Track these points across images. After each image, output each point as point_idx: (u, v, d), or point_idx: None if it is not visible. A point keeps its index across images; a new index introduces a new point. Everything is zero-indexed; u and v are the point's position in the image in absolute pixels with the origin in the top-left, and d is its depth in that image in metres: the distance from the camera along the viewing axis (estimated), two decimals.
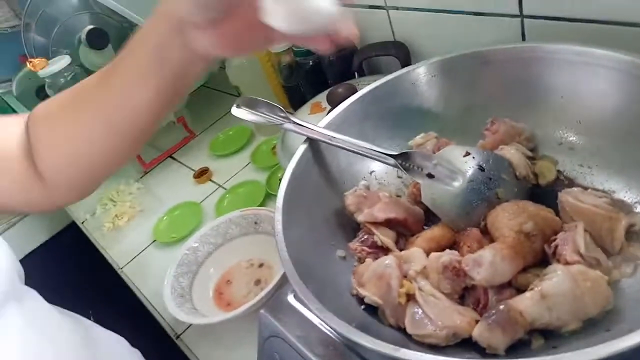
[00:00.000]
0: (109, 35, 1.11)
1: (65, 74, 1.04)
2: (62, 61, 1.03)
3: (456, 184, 0.49)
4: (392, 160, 0.51)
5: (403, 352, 0.34)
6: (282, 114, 0.59)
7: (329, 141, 0.55)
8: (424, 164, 0.51)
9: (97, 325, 0.63)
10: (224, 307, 0.76)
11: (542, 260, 0.44)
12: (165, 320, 0.80)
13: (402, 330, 0.43)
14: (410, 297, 0.43)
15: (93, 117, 0.49)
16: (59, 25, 1.16)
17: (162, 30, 0.42)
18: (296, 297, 0.56)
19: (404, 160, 0.51)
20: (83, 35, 1.09)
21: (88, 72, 1.11)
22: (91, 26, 1.11)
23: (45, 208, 0.57)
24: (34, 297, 0.53)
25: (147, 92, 0.46)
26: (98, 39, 1.10)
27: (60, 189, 0.54)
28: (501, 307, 0.38)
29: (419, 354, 0.33)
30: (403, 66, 0.81)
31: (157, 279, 0.84)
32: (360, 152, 0.53)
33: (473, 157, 0.50)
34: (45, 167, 0.52)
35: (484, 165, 0.50)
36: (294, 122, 0.58)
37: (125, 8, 0.96)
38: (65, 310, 0.59)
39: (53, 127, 0.51)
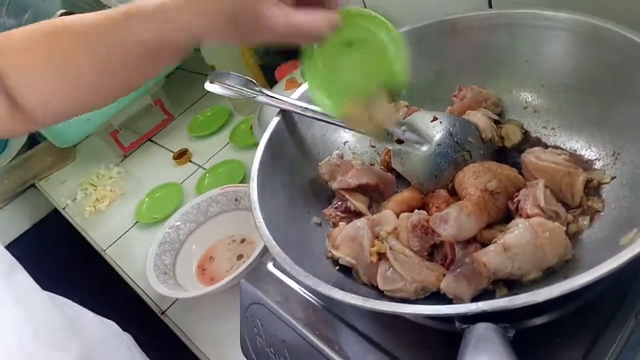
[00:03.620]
0: None
1: None
2: None
3: (425, 148, 0.51)
4: None
5: (372, 302, 0.36)
6: (256, 88, 0.60)
7: (302, 112, 0.56)
8: (393, 130, 0.52)
9: (87, 311, 0.64)
10: (208, 282, 0.77)
11: (506, 217, 0.46)
12: (150, 298, 0.82)
13: (375, 287, 0.44)
14: (382, 256, 0.44)
15: (87, 57, 0.43)
16: (30, 11, 1.14)
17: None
18: (275, 264, 0.58)
19: None
20: None
21: None
22: (63, 10, 1.09)
23: (15, 134, 0.49)
24: (23, 277, 0.53)
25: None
26: None
27: (37, 118, 0.46)
28: (466, 259, 0.40)
29: (387, 302, 0.35)
30: None
31: (141, 259, 0.85)
32: (333, 121, 0.55)
33: (440, 122, 0.51)
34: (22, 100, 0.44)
35: (451, 129, 0.51)
36: (268, 95, 0.59)
37: None
38: (55, 295, 0.59)
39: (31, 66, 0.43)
